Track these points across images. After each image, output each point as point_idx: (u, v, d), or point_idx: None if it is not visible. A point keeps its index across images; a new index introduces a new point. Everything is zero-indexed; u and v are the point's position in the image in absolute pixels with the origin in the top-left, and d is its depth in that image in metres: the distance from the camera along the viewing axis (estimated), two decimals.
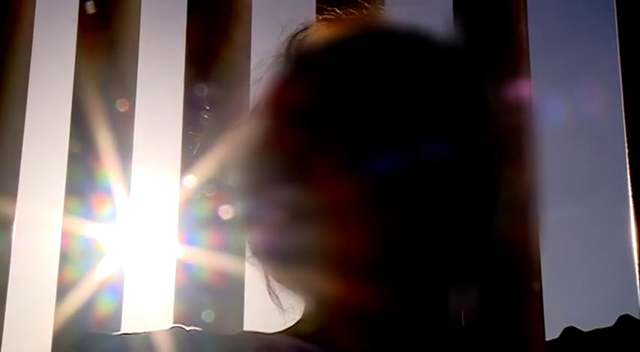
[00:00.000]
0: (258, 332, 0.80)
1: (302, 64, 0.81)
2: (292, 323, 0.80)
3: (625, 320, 1.90)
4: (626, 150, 1.15)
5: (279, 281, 0.80)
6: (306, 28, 0.85)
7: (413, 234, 0.72)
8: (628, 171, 1.15)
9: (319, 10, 1.18)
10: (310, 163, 0.74)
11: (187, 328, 0.77)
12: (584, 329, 1.66)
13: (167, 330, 0.76)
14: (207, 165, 1.05)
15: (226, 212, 0.93)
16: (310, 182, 0.74)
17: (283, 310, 0.82)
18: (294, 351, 0.75)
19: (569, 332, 1.81)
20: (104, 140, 1.44)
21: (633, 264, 1.13)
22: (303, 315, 0.79)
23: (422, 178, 0.73)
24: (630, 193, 1.14)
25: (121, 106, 1.46)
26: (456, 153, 0.75)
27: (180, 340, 0.75)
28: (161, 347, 0.74)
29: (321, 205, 0.73)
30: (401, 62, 0.77)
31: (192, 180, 1.29)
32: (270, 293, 0.81)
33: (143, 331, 0.76)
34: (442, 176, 0.73)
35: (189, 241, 1.35)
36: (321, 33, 0.84)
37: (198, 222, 1.29)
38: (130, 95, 1.48)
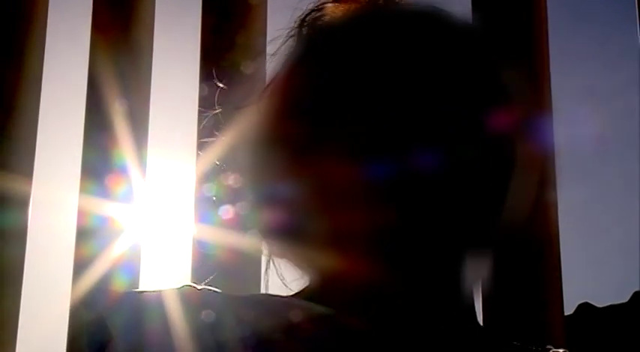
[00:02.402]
0: (270, 294, 0.81)
1: (313, 47, 0.80)
2: (296, 291, 0.80)
3: (639, 296, 1.90)
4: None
5: (283, 257, 0.81)
6: (319, 9, 0.84)
7: (420, 213, 0.72)
8: None
9: None
10: (319, 146, 0.74)
11: (199, 287, 0.77)
12: (599, 305, 1.66)
13: (178, 288, 0.76)
14: (221, 145, 1.04)
15: (239, 192, 0.92)
16: (319, 164, 0.74)
17: (286, 284, 0.83)
18: (307, 313, 0.74)
19: (584, 308, 1.79)
20: (119, 119, 1.44)
21: None
22: (305, 288, 0.80)
23: (434, 156, 0.73)
24: None
25: (136, 86, 1.47)
26: (469, 130, 0.74)
27: (191, 298, 0.75)
28: (172, 303, 0.74)
29: (328, 187, 0.73)
30: (415, 49, 0.75)
31: (206, 159, 1.28)
32: (270, 266, 0.83)
33: (155, 289, 0.77)
34: (454, 151, 0.73)
35: (205, 220, 1.34)
36: (334, 15, 0.83)
37: (213, 200, 1.29)
38: (145, 76, 1.49)
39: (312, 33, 0.82)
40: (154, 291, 0.76)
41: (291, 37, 0.83)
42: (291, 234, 0.77)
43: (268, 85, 0.82)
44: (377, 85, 0.74)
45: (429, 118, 0.73)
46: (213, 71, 1.40)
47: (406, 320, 0.74)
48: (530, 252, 1.17)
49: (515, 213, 0.76)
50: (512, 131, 0.77)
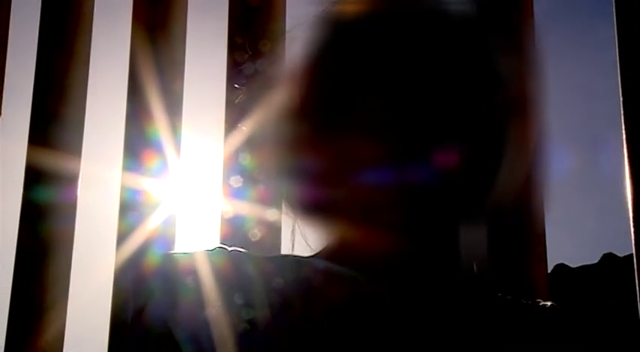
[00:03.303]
0: (294, 255, 0.81)
1: (339, 37, 0.80)
2: (316, 252, 0.80)
3: (608, 258, 1.91)
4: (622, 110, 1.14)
5: (307, 225, 0.81)
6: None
7: (428, 188, 0.73)
8: (623, 127, 1.13)
9: None
10: (343, 124, 0.74)
11: (229, 248, 0.77)
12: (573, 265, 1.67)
13: (210, 250, 0.77)
14: (250, 123, 1.04)
15: (267, 166, 0.91)
16: (343, 140, 0.74)
17: (310, 246, 0.82)
18: (329, 276, 0.75)
19: (560, 268, 1.82)
20: (156, 103, 1.45)
21: (628, 211, 1.11)
22: (324, 249, 0.80)
23: (441, 138, 0.73)
24: (625, 147, 1.12)
25: (171, 71, 1.47)
26: (469, 113, 0.75)
27: (222, 258, 0.76)
28: (203, 264, 0.75)
29: (352, 161, 0.73)
30: (429, 38, 0.76)
31: (235, 137, 1.28)
32: (294, 231, 0.82)
33: (189, 250, 0.77)
34: (457, 133, 0.74)
35: (234, 195, 1.36)
36: (355, 9, 0.82)
37: (243, 176, 1.29)
38: (179, 62, 1.49)
39: (337, 24, 0.81)
40: (189, 252, 0.77)
41: (315, 25, 0.82)
42: (315, 205, 0.77)
43: (296, 69, 0.82)
44: (392, 73, 0.75)
45: (436, 105, 0.74)
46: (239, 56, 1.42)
47: (417, 282, 0.76)
48: (518, 222, 1.18)
49: (508, 189, 0.77)
50: (507, 114, 0.77)
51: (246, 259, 0.77)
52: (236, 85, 1.37)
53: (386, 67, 0.75)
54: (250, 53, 1.37)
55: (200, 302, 0.72)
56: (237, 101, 1.26)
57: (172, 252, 0.82)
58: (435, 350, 0.73)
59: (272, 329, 0.72)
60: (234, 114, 1.34)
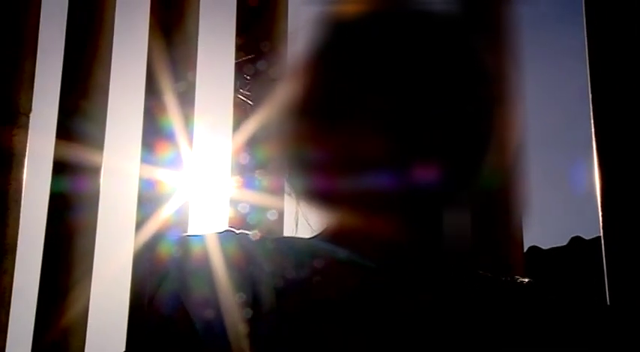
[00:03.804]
0: (296, 237, 0.81)
1: (341, 38, 0.79)
2: (317, 234, 0.81)
3: (576, 241, 1.95)
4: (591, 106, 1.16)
5: (309, 209, 0.80)
6: (336, 3, 0.83)
7: (422, 178, 0.73)
8: (592, 126, 1.15)
9: None
10: (347, 119, 0.74)
11: (237, 231, 0.78)
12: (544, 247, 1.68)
13: (220, 232, 0.77)
14: (257, 117, 1.04)
15: (273, 158, 0.91)
16: (347, 134, 0.74)
17: (311, 225, 0.81)
18: (329, 253, 0.76)
19: (533, 249, 1.84)
20: (171, 100, 1.45)
21: (596, 199, 1.14)
22: (325, 230, 0.80)
23: (433, 132, 0.74)
24: (594, 142, 1.15)
25: (185, 72, 1.48)
26: (458, 108, 0.75)
27: (230, 240, 0.76)
28: (214, 245, 0.75)
29: (355, 154, 0.74)
30: (420, 39, 0.77)
31: (244, 131, 1.28)
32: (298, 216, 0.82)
33: (201, 233, 0.78)
34: (447, 127, 0.74)
35: (243, 184, 1.37)
36: (353, 11, 0.82)
37: (251, 167, 1.29)
38: (192, 62, 1.50)
39: (337, 25, 0.80)
40: (200, 235, 0.77)
41: (316, 26, 0.81)
42: (318, 193, 0.77)
43: (300, 66, 0.81)
44: (390, 73, 0.75)
45: (428, 101, 0.74)
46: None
47: (414, 265, 0.76)
48: (500, 208, 1.19)
49: (492, 181, 0.78)
50: (491, 110, 0.78)
51: (251, 240, 0.77)
52: (242, 86, 1.37)
53: (382, 66, 0.75)
54: (253, 53, 1.38)
55: (211, 283, 0.72)
56: (243, 97, 1.28)
57: (185, 234, 0.81)
58: (438, 327, 0.73)
59: (280, 313, 0.72)
60: (242, 109, 1.35)
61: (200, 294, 0.72)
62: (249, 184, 1.33)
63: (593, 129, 1.14)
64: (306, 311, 0.72)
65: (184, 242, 0.77)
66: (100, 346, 1.47)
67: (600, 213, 1.12)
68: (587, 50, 1.18)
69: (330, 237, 0.78)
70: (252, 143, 1.27)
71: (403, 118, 0.74)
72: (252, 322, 0.71)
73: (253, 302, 0.72)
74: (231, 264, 0.74)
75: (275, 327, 0.71)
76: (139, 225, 1.42)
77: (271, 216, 1.22)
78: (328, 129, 0.75)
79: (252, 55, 1.38)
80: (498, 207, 1.19)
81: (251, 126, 1.22)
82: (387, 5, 0.81)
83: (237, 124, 1.37)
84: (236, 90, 1.41)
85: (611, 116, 1.14)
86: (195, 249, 0.75)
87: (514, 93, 0.86)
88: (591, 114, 1.15)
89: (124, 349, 1.35)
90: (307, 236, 0.82)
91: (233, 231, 0.78)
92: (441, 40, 0.77)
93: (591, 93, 1.16)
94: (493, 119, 0.78)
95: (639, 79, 1.13)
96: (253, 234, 0.77)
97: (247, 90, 1.31)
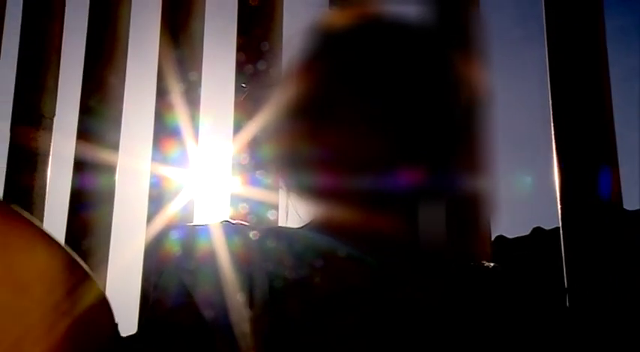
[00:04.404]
0: (288, 227, 0.82)
1: (328, 47, 0.80)
2: (305, 224, 0.81)
3: (537, 231, 1.98)
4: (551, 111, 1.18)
5: (299, 201, 0.80)
6: (326, 15, 0.86)
7: (406, 177, 0.75)
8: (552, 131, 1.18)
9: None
10: (335, 121, 0.75)
11: (233, 221, 0.79)
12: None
13: (220, 223, 0.78)
14: (255, 120, 1.01)
15: (269, 157, 0.89)
16: (335, 137, 0.75)
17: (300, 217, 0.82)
18: (329, 249, 0.75)
19: (499, 239, 1.85)
20: (179, 103, 1.46)
21: (555, 193, 1.17)
22: (313, 221, 0.81)
23: (413, 133, 0.75)
24: (554, 143, 1.18)
25: (192, 75, 1.49)
26: (435, 110, 0.76)
27: (229, 229, 0.77)
28: (216, 233, 0.76)
29: (344, 153, 0.75)
30: (400, 49, 0.78)
31: (243, 133, 1.27)
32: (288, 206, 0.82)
33: (203, 223, 0.78)
34: (424, 130, 0.75)
35: (245, 182, 1.36)
36: (342, 22, 0.83)
37: (252, 166, 1.27)
38: (197, 67, 1.50)
39: (325, 36, 0.81)
40: (201, 225, 0.78)
41: (308, 37, 0.82)
42: (310, 190, 0.77)
43: (293, 72, 0.82)
44: (374, 79, 0.76)
45: (406, 106, 0.75)
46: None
47: (403, 256, 0.77)
48: (470, 208, 1.18)
49: (464, 181, 0.79)
50: (465, 115, 0.79)
51: (246, 229, 0.77)
52: (242, 85, 1.37)
53: (366, 72, 0.76)
54: (252, 53, 1.37)
55: (213, 269, 0.72)
56: (242, 98, 1.28)
57: (188, 224, 0.82)
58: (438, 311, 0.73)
59: (280, 313, 0.70)
60: (242, 108, 1.34)
61: (206, 283, 0.72)
62: (250, 182, 1.29)
63: (552, 131, 1.17)
64: (309, 311, 0.71)
65: (188, 230, 0.77)
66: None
67: (559, 206, 1.14)
68: (547, 61, 1.20)
69: (317, 227, 0.79)
70: (252, 143, 1.26)
71: (386, 120, 0.75)
72: (251, 320, 0.70)
73: (250, 302, 0.71)
74: (233, 260, 0.73)
75: (273, 327, 0.69)
76: (150, 218, 1.43)
77: (272, 216, 1.20)
78: (320, 129, 0.75)
79: (248, 56, 1.38)
80: (469, 203, 1.20)
81: (251, 126, 1.20)
82: (371, 18, 0.83)
83: (237, 124, 1.37)
84: (237, 91, 1.40)
85: (569, 120, 1.17)
86: (200, 239, 0.75)
87: (485, 97, 0.85)
88: (551, 118, 1.18)
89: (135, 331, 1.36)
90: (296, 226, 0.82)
91: (229, 221, 0.78)
92: (417, 50, 0.79)
93: (551, 99, 1.19)
94: (466, 122, 0.79)
95: (594, 86, 1.16)
96: (253, 234, 0.77)
97: (247, 91, 1.30)
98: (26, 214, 0.54)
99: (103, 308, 0.62)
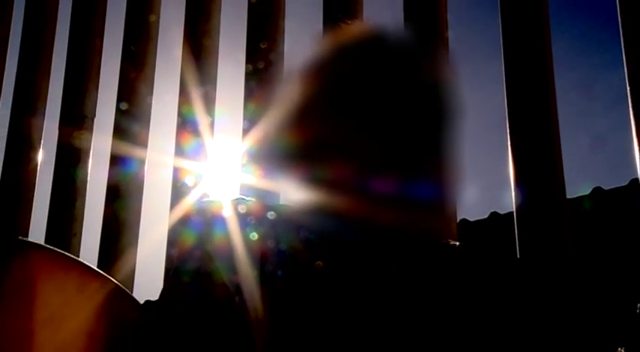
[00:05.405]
0: (292, 208, 0.83)
1: (325, 60, 0.82)
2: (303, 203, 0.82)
3: (493, 215, 1.96)
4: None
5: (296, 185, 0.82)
6: (324, 33, 0.91)
7: (402, 167, 0.76)
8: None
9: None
10: (314, 113, 0.77)
11: (247, 198, 0.81)
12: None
13: (234, 199, 0.80)
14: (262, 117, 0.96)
15: (269, 152, 0.86)
16: (317, 126, 0.77)
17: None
18: (318, 222, 0.77)
19: (462, 221, 1.80)
20: (198, 105, 1.48)
21: (510, 181, 1.21)
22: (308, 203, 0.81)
23: (403, 138, 0.77)
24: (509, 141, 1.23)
25: (208, 83, 1.52)
26: (416, 113, 0.78)
27: (241, 204, 0.78)
28: (228, 208, 0.77)
29: (325, 144, 0.76)
30: (385, 62, 0.80)
31: (252, 134, 1.24)
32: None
33: (217, 199, 0.80)
34: (408, 131, 0.77)
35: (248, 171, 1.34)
36: (345, 36, 0.84)
37: (252, 158, 1.22)
38: (212, 78, 1.53)
39: (324, 50, 0.82)
40: (216, 201, 0.79)
41: (314, 47, 0.84)
42: (303, 178, 0.78)
43: (298, 77, 0.83)
44: (361, 85, 0.78)
45: (390, 99, 0.77)
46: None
47: (387, 238, 0.78)
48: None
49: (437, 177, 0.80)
50: (441, 120, 0.81)
51: (256, 205, 0.78)
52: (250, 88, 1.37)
53: (359, 81, 0.77)
54: (259, 55, 1.39)
55: (228, 240, 0.72)
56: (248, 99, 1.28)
57: (205, 199, 0.84)
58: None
59: (277, 298, 0.71)
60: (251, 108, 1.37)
61: (221, 251, 0.72)
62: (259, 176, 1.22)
63: (508, 131, 1.22)
64: (308, 295, 0.72)
65: (204, 204, 0.79)
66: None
67: (513, 193, 1.18)
68: (504, 74, 1.25)
69: (321, 212, 0.78)
70: (260, 139, 1.23)
71: (377, 120, 0.76)
72: (266, 282, 0.71)
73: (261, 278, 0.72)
74: (245, 224, 0.73)
75: (278, 302, 0.70)
76: (173, 205, 1.46)
77: (271, 216, 1.21)
78: (318, 125, 0.76)
79: (260, 60, 1.38)
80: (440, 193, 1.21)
81: (259, 123, 1.18)
82: (365, 36, 0.84)
83: (247, 122, 1.39)
84: (246, 91, 1.42)
85: (523, 121, 1.21)
86: (214, 209, 0.76)
87: (457, 105, 0.85)
88: (507, 122, 1.22)
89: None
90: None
91: (243, 198, 0.80)
92: (403, 65, 0.80)
93: (507, 106, 1.23)
94: (443, 127, 0.79)
95: (543, 95, 1.21)
96: (268, 214, 0.76)
97: (255, 92, 1.31)
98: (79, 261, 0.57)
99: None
